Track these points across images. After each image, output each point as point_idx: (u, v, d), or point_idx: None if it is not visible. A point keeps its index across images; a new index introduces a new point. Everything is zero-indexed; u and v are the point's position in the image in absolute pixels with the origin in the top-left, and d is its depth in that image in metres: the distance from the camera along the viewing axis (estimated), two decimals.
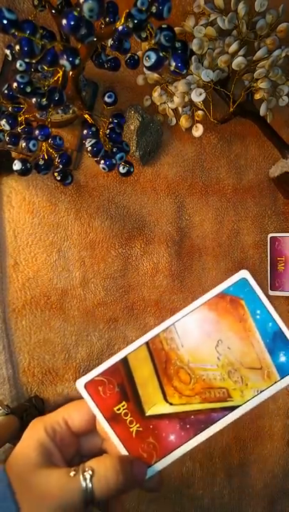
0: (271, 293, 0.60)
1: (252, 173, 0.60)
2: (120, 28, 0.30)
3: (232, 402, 0.29)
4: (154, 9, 0.30)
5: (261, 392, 0.29)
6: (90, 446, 0.31)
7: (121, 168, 0.42)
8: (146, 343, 0.30)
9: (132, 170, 0.42)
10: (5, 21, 0.28)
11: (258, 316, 0.30)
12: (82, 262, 0.52)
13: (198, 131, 0.53)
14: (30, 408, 0.47)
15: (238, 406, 0.29)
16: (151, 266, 0.55)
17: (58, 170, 0.43)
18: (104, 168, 0.40)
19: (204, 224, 0.58)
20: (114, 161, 0.40)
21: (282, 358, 0.29)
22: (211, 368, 0.29)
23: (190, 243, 0.58)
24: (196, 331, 0.30)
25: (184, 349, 0.30)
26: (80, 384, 0.29)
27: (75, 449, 0.30)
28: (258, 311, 0.30)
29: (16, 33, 0.29)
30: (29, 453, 0.27)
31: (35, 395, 0.51)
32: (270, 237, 0.60)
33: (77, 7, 0.28)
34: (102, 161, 0.40)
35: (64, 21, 0.28)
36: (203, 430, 0.29)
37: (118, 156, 0.41)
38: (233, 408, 0.29)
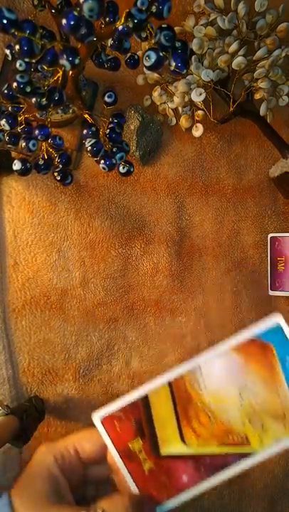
0: (271, 293, 0.60)
1: (252, 173, 0.60)
2: (120, 27, 0.30)
3: (250, 448, 0.29)
4: (154, 9, 0.30)
5: (281, 441, 0.29)
6: (98, 475, 0.31)
7: (121, 168, 0.42)
8: (169, 382, 0.29)
9: (132, 170, 0.42)
10: (5, 21, 0.28)
11: (287, 364, 0.29)
12: (82, 262, 0.52)
13: (198, 131, 0.53)
14: (30, 408, 0.47)
15: (256, 453, 0.28)
16: (151, 266, 0.55)
17: (57, 170, 0.43)
18: (104, 168, 0.40)
19: (204, 224, 0.58)
20: (114, 161, 0.40)
21: None
22: (232, 412, 0.29)
23: (190, 243, 0.57)
24: (221, 373, 0.29)
25: (207, 391, 0.29)
26: (97, 418, 0.29)
27: (80, 477, 0.30)
28: (288, 359, 0.29)
29: (16, 33, 0.29)
30: (39, 484, 0.27)
31: (35, 395, 0.51)
32: (270, 237, 0.60)
33: (77, 7, 0.28)
34: (102, 161, 0.40)
35: (64, 21, 0.28)
36: (217, 474, 0.29)
37: (118, 155, 0.41)
38: (250, 454, 0.29)
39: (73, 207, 0.52)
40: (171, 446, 0.29)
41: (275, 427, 0.29)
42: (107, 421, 0.29)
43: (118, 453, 0.29)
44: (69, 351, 0.52)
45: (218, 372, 0.29)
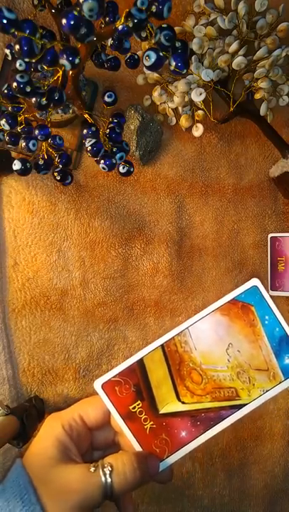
0: (271, 293, 0.60)
1: (252, 173, 0.60)
2: (120, 27, 0.30)
3: (240, 400, 0.31)
4: (154, 9, 0.30)
5: (267, 391, 0.31)
6: (104, 440, 0.32)
7: (121, 168, 0.42)
8: (162, 346, 0.32)
9: (132, 170, 0.42)
10: (5, 21, 0.28)
11: (266, 322, 0.32)
12: (82, 262, 0.52)
13: (198, 130, 0.53)
14: (30, 408, 0.47)
15: (245, 404, 0.31)
16: (151, 266, 0.55)
17: (57, 170, 0.43)
18: (104, 168, 0.40)
19: (204, 224, 0.58)
20: (114, 161, 0.40)
21: (287, 361, 0.31)
22: (221, 369, 0.31)
23: (190, 243, 0.57)
24: (208, 334, 0.32)
25: (197, 351, 0.32)
26: (98, 384, 0.31)
27: (89, 443, 0.32)
28: (267, 317, 0.32)
29: (16, 33, 0.29)
30: (48, 449, 0.28)
31: (35, 395, 0.51)
32: (271, 237, 0.60)
33: (77, 7, 0.28)
34: (102, 161, 0.40)
35: (64, 21, 0.28)
36: (213, 427, 0.31)
37: (118, 155, 0.41)
38: (240, 406, 0.31)
39: (73, 207, 0.52)
40: (169, 404, 0.31)
41: (260, 379, 0.31)
42: (107, 386, 0.31)
43: (120, 416, 0.31)
44: (69, 351, 0.52)
45: (206, 333, 0.32)
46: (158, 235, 0.56)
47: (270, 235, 0.60)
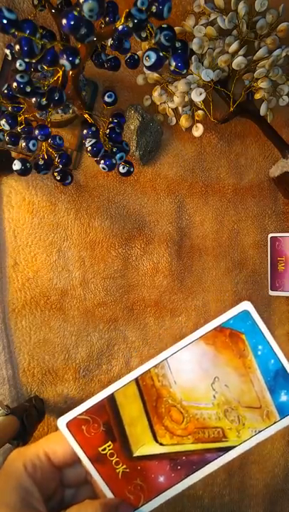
0: (271, 293, 0.60)
1: (252, 173, 0.60)
2: (120, 27, 0.30)
3: (227, 442, 0.27)
4: (154, 9, 0.30)
5: (259, 432, 0.27)
6: (75, 478, 0.29)
7: (121, 168, 0.42)
8: (136, 380, 0.28)
9: (132, 170, 0.42)
10: (5, 21, 0.28)
11: (259, 352, 0.28)
12: (82, 262, 0.52)
13: (198, 130, 0.53)
14: (30, 408, 0.47)
15: (234, 446, 0.27)
16: (151, 266, 0.55)
17: (57, 170, 0.43)
18: (104, 168, 0.40)
19: (204, 224, 0.58)
20: (114, 161, 0.40)
21: (284, 398, 0.27)
22: (205, 406, 0.28)
23: (190, 243, 0.57)
24: (191, 366, 0.28)
25: (177, 386, 0.28)
26: (62, 423, 0.27)
27: (57, 482, 0.28)
28: (260, 347, 0.28)
29: (16, 33, 0.29)
30: (7, 495, 0.25)
31: (35, 395, 0.51)
32: (271, 237, 0.60)
33: (77, 7, 0.28)
34: (102, 161, 0.40)
35: (64, 21, 0.28)
36: (196, 471, 0.27)
37: (118, 155, 0.41)
38: (228, 449, 0.27)
39: (73, 207, 0.52)
40: (144, 446, 0.27)
41: (251, 419, 0.27)
42: (73, 425, 0.27)
43: (88, 458, 0.27)
44: (69, 351, 0.52)
45: (188, 365, 0.28)
46: (158, 235, 0.56)
47: (270, 235, 0.60)
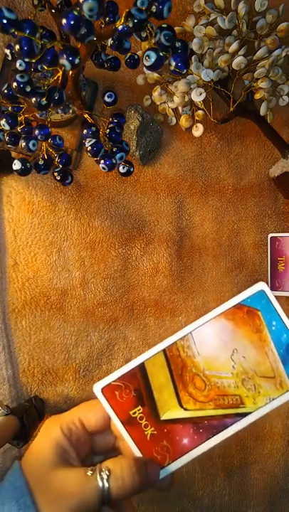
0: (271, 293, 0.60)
1: (252, 173, 0.60)
2: (120, 27, 0.30)
3: (244, 408, 0.30)
4: (154, 9, 0.30)
5: (273, 399, 0.30)
6: (104, 445, 0.32)
7: (121, 168, 0.42)
8: (164, 350, 0.31)
9: (132, 170, 0.42)
10: (5, 21, 0.28)
11: (273, 327, 0.31)
12: (82, 262, 0.52)
13: (198, 130, 0.53)
14: (30, 408, 0.47)
15: (250, 412, 0.30)
16: (151, 266, 0.55)
17: (57, 170, 0.43)
18: (104, 168, 0.40)
19: (204, 224, 0.58)
20: (114, 161, 0.40)
21: None
22: (225, 375, 0.30)
23: (190, 243, 0.57)
24: (212, 339, 0.31)
25: (200, 357, 0.31)
26: (97, 388, 0.30)
27: (89, 448, 0.31)
28: (274, 323, 0.31)
29: (16, 33, 0.29)
30: (46, 452, 0.28)
31: (35, 395, 0.51)
32: (271, 237, 0.60)
33: (77, 7, 0.28)
34: (102, 161, 0.40)
35: (64, 21, 0.28)
36: (216, 434, 0.30)
37: (118, 155, 0.41)
38: (245, 414, 0.30)
39: (73, 207, 0.52)
40: (170, 411, 0.30)
41: (266, 387, 0.30)
42: (107, 391, 0.30)
43: (120, 421, 0.30)
44: (69, 351, 0.52)
45: (210, 338, 0.31)
46: (158, 235, 0.56)
47: (270, 235, 0.60)
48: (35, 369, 0.51)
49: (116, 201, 0.54)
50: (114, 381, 0.30)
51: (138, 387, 0.30)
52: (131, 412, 0.30)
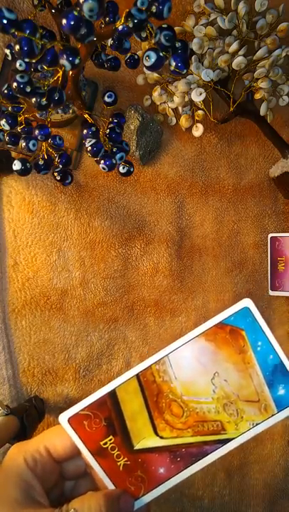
0: (271, 293, 0.60)
1: (252, 173, 0.60)
2: (120, 27, 0.30)
3: (226, 434, 0.28)
4: (154, 9, 0.30)
5: (257, 424, 0.28)
6: (75, 470, 0.30)
7: (121, 168, 0.42)
8: (137, 376, 0.28)
9: (132, 170, 0.42)
10: (5, 21, 0.28)
11: (258, 348, 0.29)
12: (82, 262, 0.52)
13: (198, 130, 0.53)
14: (30, 408, 0.47)
15: (232, 438, 0.28)
16: (151, 266, 0.55)
17: (57, 170, 0.43)
18: (104, 168, 0.40)
19: (204, 224, 0.58)
20: (114, 161, 0.40)
21: (281, 391, 0.28)
22: (205, 400, 0.29)
23: (190, 243, 0.57)
24: (191, 362, 0.29)
25: (178, 381, 0.29)
26: (63, 418, 0.28)
27: (57, 476, 0.29)
28: (260, 343, 0.29)
29: (16, 33, 0.29)
30: (10, 489, 0.25)
31: (35, 395, 0.51)
32: (271, 237, 0.60)
33: (77, 7, 0.28)
34: (102, 161, 0.40)
35: (64, 21, 0.28)
36: (195, 463, 0.28)
37: (118, 155, 0.41)
38: (226, 441, 0.28)
39: (73, 207, 0.52)
40: (145, 439, 0.28)
41: (250, 412, 0.28)
42: (74, 421, 0.28)
43: (90, 452, 0.28)
44: (69, 351, 0.52)
45: (188, 361, 0.29)
46: (158, 235, 0.56)
47: (270, 235, 0.60)
48: (35, 369, 0.51)
49: (116, 201, 0.54)
50: (81, 410, 0.28)
51: (109, 416, 0.28)
52: (102, 443, 0.28)
